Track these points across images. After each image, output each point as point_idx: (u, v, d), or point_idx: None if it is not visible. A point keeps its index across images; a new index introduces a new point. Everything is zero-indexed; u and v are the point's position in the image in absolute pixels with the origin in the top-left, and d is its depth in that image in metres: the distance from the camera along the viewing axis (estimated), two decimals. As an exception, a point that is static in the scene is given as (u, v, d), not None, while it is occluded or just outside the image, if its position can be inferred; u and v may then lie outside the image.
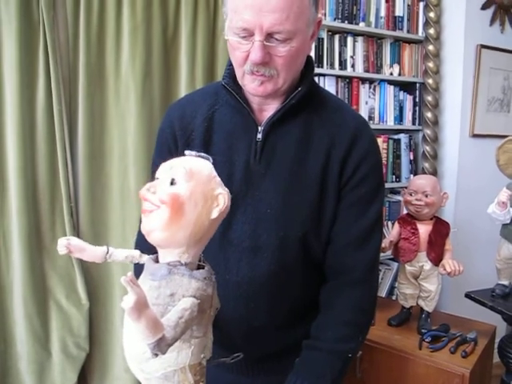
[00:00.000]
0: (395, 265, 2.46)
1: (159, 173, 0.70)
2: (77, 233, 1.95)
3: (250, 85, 0.94)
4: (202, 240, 0.70)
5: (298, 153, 1.00)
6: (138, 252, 0.76)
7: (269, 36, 0.87)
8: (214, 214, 0.69)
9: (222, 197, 0.70)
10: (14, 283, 1.86)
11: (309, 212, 0.99)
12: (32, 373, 1.90)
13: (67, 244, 0.71)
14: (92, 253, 0.73)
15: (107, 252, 0.73)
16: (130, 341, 0.69)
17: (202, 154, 0.73)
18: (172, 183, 0.67)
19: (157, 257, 0.73)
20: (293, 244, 1.00)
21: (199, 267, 0.72)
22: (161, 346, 0.58)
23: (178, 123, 1.05)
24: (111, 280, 2.03)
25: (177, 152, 1.03)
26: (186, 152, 0.73)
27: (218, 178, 0.72)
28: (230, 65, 1.00)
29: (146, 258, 0.74)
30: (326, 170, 0.99)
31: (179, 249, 0.69)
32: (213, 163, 0.86)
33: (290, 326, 1.07)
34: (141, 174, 1.97)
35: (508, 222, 1.49)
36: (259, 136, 0.99)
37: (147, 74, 1.97)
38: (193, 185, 0.68)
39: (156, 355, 0.59)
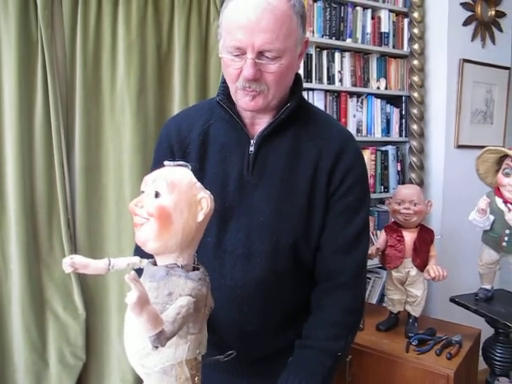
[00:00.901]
0: (385, 273, 2.52)
1: (143, 186, 0.75)
2: (74, 244, 1.99)
3: (243, 99, 1.01)
4: (192, 242, 0.76)
5: (288, 164, 1.06)
6: (138, 258, 0.81)
7: (260, 54, 0.94)
8: (200, 217, 0.75)
9: (205, 200, 0.75)
10: (12, 293, 1.90)
11: (299, 220, 1.05)
12: (29, 383, 1.93)
13: (71, 263, 0.76)
14: (95, 267, 0.78)
15: (109, 264, 0.79)
16: (131, 338, 0.74)
17: (181, 163, 0.78)
18: (156, 196, 0.73)
19: (155, 261, 0.78)
20: (284, 250, 1.05)
21: (194, 269, 0.78)
22: (160, 339, 0.63)
23: (175, 137, 1.11)
24: (107, 291, 2.08)
25: None
26: (165, 162, 0.78)
27: (199, 183, 0.77)
28: (224, 82, 1.06)
29: (145, 263, 0.80)
30: (315, 181, 1.05)
31: (174, 254, 0.75)
32: (206, 175, 0.91)
33: (281, 330, 1.12)
34: (136, 186, 2.01)
35: (488, 228, 1.55)
36: (251, 149, 1.05)
37: (142, 89, 2.03)
38: (176, 195, 0.73)
39: (156, 348, 0.64)
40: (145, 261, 0.80)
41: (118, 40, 1.99)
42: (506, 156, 1.50)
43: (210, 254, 1.04)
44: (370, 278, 2.60)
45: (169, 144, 1.12)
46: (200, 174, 1.02)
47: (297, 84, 1.09)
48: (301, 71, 2.23)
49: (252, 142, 1.06)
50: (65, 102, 1.96)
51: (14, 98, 1.82)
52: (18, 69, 1.82)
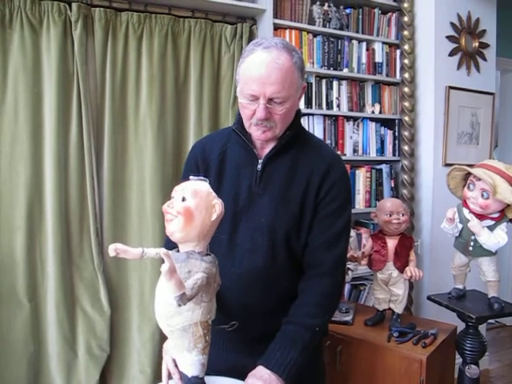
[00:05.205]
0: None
1: (174, 193, 1.04)
2: (101, 249, 2.27)
3: (256, 133, 1.30)
4: (207, 235, 1.04)
5: (287, 179, 1.34)
6: (164, 249, 1.09)
7: (270, 100, 1.23)
8: (214, 217, 1.03)
9: (218, 205, 1.04)
10: (48, 292, 2.17)
11: (292, 222, 1.33)
12: (61, 371, 2.18)
13: (115, 248, 0.97)
14: (132, 252, 1.00)
15: (143, 251, 1.04)
16: (160, 304, 1.02)
17: (201, 177, 1.08)
18: (183, 200, 1.01)
19: (178, 250, 1.06)
20: (280, 246, 1.32)
21: (207, 255, 1.05)
22: (183, 299, 0.91)
23: (199, 156, 1.41)
24: (130, 291, 2.34)
25: None
26: (191, 177, 1.07)
27: (214, 193, 1.06)
28: (239, 114, 1.36)
29: (170, 252, 1.07)
30: (306, 192, 1.33)
31: (193, 243, 1.03)
32: (223, 186, 1.20)
33: (277, 312, 1.35)
34: (155, 199, 2.30)
35: (457, 235, 1.79)
36: (259, 167, 1.34)
37: (162, 115, 2.32)
38: (197, 200, 1.02)
39: (179, 305, 0.92)
40: (170, 252, 1.08)
41: (142, 73, 2.30)
42: (470, 173, 1.76)
43: (224, 248, 1.32)
44: (365, 285, 2.85)
45: (195, 161, 1.42)
46: (218, 186, 1.32)
47: (296, 116, 1.38)
48: (301, 100, 2.52)
49: (260, 161, 1.35)
50: (95, 126, 2.25)
51: (54, 122, 2.12)
52: (58, 97, 2.12)
